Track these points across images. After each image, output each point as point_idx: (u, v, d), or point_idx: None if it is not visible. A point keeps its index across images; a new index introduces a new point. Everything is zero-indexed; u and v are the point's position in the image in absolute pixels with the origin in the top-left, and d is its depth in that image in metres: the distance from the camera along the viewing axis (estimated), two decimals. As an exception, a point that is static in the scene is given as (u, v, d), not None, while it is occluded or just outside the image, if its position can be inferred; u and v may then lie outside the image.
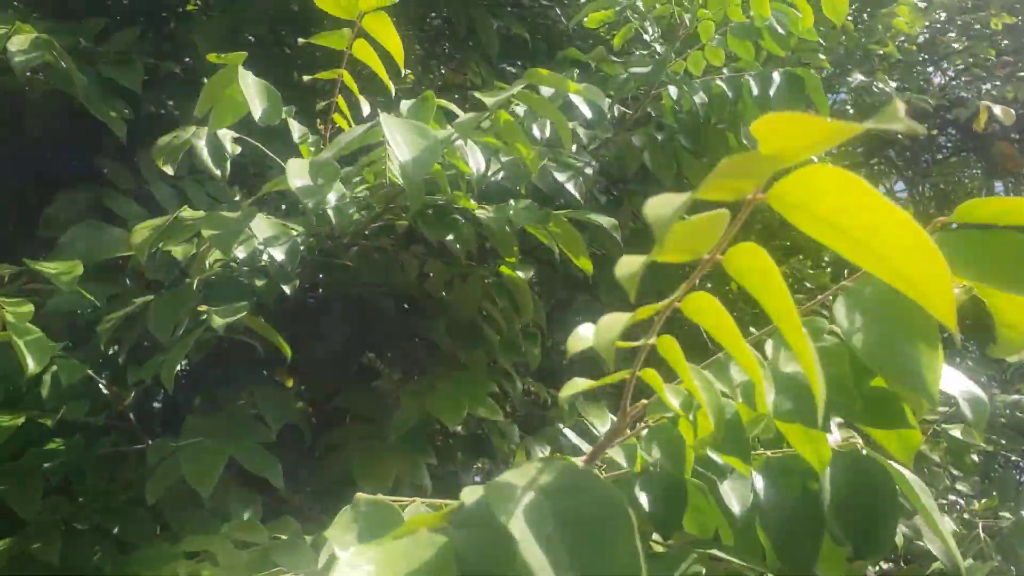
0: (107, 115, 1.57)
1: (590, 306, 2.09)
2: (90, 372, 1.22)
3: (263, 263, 1.38)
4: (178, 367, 1.21)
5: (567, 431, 1.61)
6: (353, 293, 1.64)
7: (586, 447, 1.61)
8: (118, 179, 1.68)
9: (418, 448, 1.41)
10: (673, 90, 1.58)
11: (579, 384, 0.61)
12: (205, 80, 1.92)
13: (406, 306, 1.82)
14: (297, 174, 1.16)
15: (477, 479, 1.83)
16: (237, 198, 1.81)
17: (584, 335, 0.57)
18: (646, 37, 1.70)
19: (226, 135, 1.41)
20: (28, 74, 1.57)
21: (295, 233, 1.28)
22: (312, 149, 1.41)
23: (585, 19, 1.72)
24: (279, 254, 1.24)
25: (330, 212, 1.22)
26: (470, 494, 0.54)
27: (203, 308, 1.14)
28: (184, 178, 1.70)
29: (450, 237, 1.33)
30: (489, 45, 1.88)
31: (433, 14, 2.12)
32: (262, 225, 1.24)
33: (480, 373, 1.46)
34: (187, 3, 2.07)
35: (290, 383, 1.84)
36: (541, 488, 0.49)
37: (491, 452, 1.69)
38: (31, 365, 1.10)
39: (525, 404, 1.74)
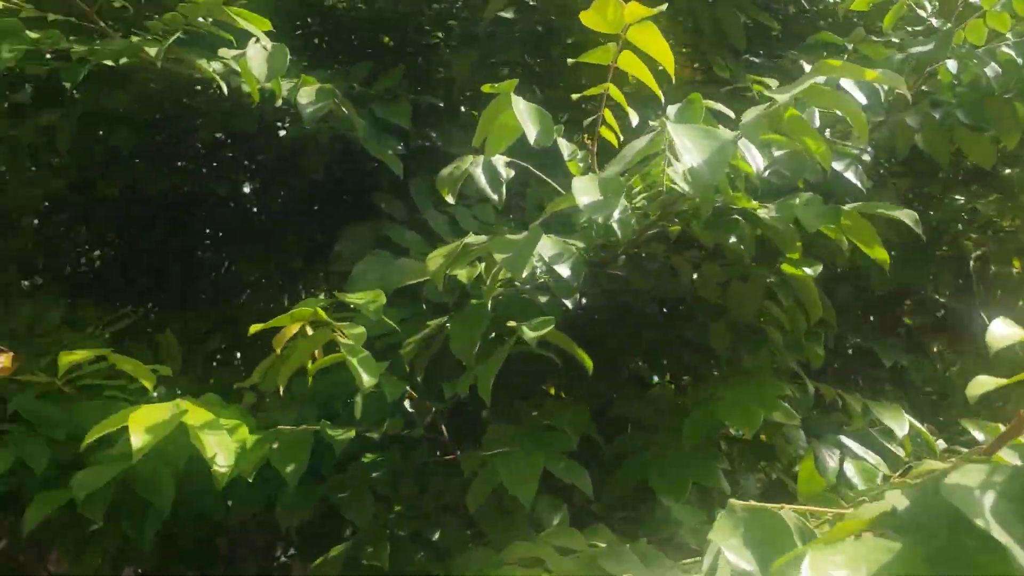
0: (384, 153, 1.69)
1: (858, 298, 1.99)
2: (408, 389, 1.30)
3: (541, 279, 1.43)
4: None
5: (848, 441, 1.54)
6: (620, 301, 1.66)
7: (872, 457, 1.53)
8: (394, 211, 1.80)
9: (710, 454, 1.40)
10: (952, 64, 1.47)
11: (986, 383, 0.58)
12: (463, 109, 2.04)
13: (665, 310, 1.82)
14: (584, 192, 1.18)
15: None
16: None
17: (1003, 332, 0.54)
18: (921, 13, 1.60)
19: (499, 161, 1.47)
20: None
21: (575, 249, 1.31)
22: (581, 165, 1.45)
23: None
24: (565, 270, 1.28)
25: (615, 226, 1.23)
26: (899, 499, 0.53)
27: (512, 324, 1.20)
28: (453, 204, 1.79)
29: (732, 239, 1.31)
30: (736, 39, 1.85)
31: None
32: (546, 244, 1.28)
33: (766, 376, 1.43)
34: (430, 37, 2.19)
35: (551, 391, 1.89)
36: (999, 491, 0.47)
37: (773, 456, 1.65)
38: (366, 380, 1.20)
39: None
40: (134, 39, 1.40)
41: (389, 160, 1.69)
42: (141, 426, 1.16)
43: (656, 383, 1.73)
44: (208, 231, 2.12)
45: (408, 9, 2.08)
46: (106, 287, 2.12)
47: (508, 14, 1.89)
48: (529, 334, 1.15)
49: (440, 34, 2.17)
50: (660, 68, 1.32)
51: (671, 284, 1.55)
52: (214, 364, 2.04)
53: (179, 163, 1.95)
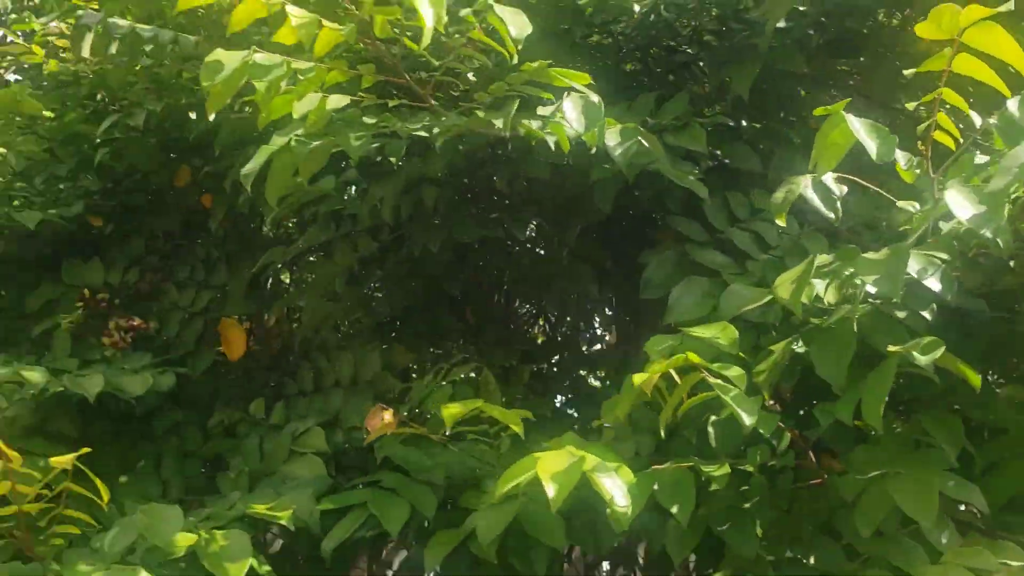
0: (686, 179, 1.72)
1: None
2: (780, 423, 1.33)
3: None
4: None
5: None
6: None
7: None
8: (692, 233, 1.82)
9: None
10: None
11: None
12: (743, 123, 2.04)
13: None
14: (961, 205, 1.18)
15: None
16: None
17: None
18: None
19: (829, 178, 1.47)
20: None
21: (940, 262, 1.29)
22: (918, 173, 1.42)
23: None
24: (935, 284, 1.27)
25: (998, 239, 1.20)
26: None
27: (894, 349, 1.20)
28: (750, 220, 1.80)
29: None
30: None
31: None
32: (913, 260, 1.27)
33: None
34: (681, 56, 2.19)
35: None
36: None
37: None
38: (747, 420, 1.24)
39: None
40: (479, 113, 1.51)
41: (694, 186, 1.71)
42: (548, 474, 1.24)
43: (1003, 384, 1.66)
44: (500, 271, 2.23)
45: (662, 32, 2.11)
46: (411, 332, 2.28)
47: (781, 23, 1.88)
48: (922, 359, 1.15)
49: (690, 50, 2.18)
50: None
51: (1004, 280, 1.50)
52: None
53: (475, 211, 2.07)
